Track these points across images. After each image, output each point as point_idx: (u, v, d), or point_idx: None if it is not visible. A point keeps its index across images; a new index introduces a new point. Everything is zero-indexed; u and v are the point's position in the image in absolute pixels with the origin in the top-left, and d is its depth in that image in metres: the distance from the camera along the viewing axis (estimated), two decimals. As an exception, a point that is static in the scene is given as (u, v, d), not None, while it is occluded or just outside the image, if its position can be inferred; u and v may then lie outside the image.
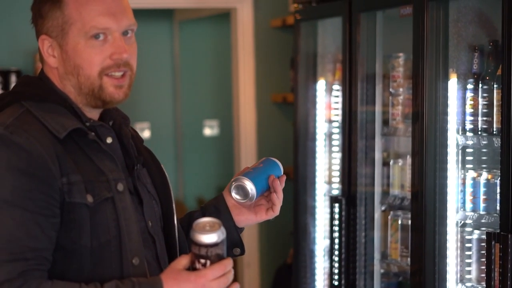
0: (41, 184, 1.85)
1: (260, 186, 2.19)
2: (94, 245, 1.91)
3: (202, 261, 1.86)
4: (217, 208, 2.23)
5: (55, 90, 2.00)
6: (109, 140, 2.01)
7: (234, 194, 2.19)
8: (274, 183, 2.21)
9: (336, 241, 3.87)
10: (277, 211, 2.23)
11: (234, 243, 2.22)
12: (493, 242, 2.83)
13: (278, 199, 2.22)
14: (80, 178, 1.90)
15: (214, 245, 1.85)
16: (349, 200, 3.81)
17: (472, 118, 3.17)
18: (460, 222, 3.24)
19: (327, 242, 4.13)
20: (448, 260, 3.23)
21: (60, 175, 1.88)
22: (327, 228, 4.11)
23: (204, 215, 2.18)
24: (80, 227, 1.90)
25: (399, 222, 3.64)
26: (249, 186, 2.16)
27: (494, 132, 3.04)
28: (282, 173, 2.25)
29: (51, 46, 1.99)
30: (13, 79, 5.02)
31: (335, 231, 3.87)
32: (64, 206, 1.89)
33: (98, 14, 1.95)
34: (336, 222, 3.86)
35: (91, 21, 1.95)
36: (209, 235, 1.85)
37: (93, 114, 2.04)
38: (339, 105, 3.99)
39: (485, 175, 3.15)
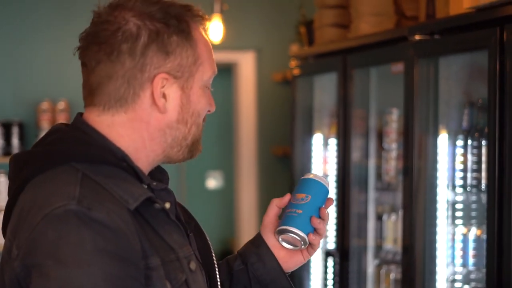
0: (133, 269, 1.50)
1: (310, 227, 1.78)
2: None
3: None
4: (260, 257, 1.85)
5: (109, 147, 1.61)
6: (167, 205, 1.64)
7: (284, 244, 1.83)
8: (319, 225, 1.80)
9: (330, 295, 3.88)
10: (313, 253, 1.86)
11: None
12: (479, 298, 2.83)
13: (321, 237, 1.83)
14: (159, 262, 1.55)
15: None
16: (343, 254, 3.83)
17: (462, 174, 3.19)
18: (450, 277, 3.24)
19: (322, 296, 4.14)
20: (438, 316, 3.24)
21: (141, 257, 1.52)
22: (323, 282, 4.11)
23: (245, 264, 1.85)
24: None
25: (391, 276, 3.64)
26: (298, 236, 1.78)
27: (483, 189, 3.06)
28: (328, 192, 1.83)
29: (164, 88, 1.62)
30: (15, 131, 5.05)
31: (328, 285, 3.88)
32: None
33: (213, 58, 1.70)
34: (330, 276, 3.87)
35: (213, 64, 1.68)
36: None
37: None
38: (334, 159, 4.03)
39: (474, 230, 3.16)
